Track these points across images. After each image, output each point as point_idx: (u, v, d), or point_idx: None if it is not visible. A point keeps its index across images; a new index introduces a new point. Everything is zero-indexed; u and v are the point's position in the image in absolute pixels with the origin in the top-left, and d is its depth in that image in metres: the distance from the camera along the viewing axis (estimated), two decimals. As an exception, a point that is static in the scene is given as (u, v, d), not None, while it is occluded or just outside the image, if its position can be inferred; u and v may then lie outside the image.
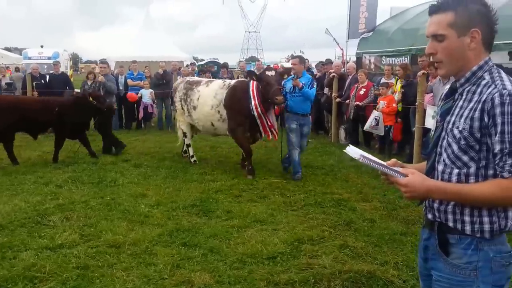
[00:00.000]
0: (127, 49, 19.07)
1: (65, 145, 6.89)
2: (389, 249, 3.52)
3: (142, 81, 10.39)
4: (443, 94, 1.55)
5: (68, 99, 7.29)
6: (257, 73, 6.05)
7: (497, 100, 1.27)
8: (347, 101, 7.98)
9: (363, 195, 4.97)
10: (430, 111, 5.80)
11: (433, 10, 1.41)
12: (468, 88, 1.39)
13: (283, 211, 4.47)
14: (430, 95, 6.12)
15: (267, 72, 5.61)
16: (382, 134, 7.08)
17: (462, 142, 1.34)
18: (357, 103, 7.59)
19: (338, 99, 8.31)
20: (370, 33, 11.43)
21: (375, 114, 7.04)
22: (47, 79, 10.28)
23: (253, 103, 5.59)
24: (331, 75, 8.60)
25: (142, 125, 10.72)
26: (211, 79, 7.53)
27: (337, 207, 4.57)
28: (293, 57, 6.21)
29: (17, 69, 15.80)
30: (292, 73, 5.81)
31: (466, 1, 1.37)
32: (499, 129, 1.26)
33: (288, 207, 4.59)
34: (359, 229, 3.94)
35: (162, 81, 10.34)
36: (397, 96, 7.01)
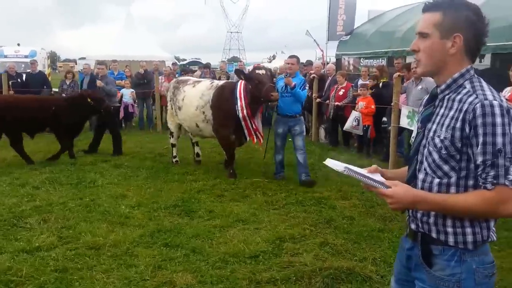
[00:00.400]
0: (108, 48, 18.78)
1: (44, 145, 6.74)
2: (368, 245, 3.61)
3: (123, 81, 10.25)
4: (424, 100, 1.54)
5: (65, 98, 7.20)
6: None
7: (478, 111, 1.26)
8: (327, 101, 8.11)
9: (343, 193, 5.07)
10: (405, 111, 5.99)
11: (426, 8, 1.41)
12: (449, 95, 1.38)
13: (265, 210, 4.51)
14: (405, 96, 6.32)
15: (257, 71, 5.44)
16: (361, 133, 7.24)
17: (443, 151, 1.34)
18: (337, 103, 7.74)
19: (318, 100, 8.43)
20: (348, 37, 11.66)
21: (355, 114, 7.19)
22: (24, 78, 10.00)
23: (239, 104, 5.44)
24: (311, 76, 8.72)
25: (123, 125, 10.56)
26: (199, 79, 7.31)
27: (318, 206, 4.65)
28: (290, 56, 5.87)
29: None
30: (287, 73, 5.64)
31: (458, 5, 1.37)
32: (480, 140, 1.26)
33: (270, 206, 4.63)
34: (339, 227, 4.02)
35: (143, 80, 10.23)
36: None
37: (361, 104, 7.18)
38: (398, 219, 4.14)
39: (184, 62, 24.25)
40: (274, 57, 41.57)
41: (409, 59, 7.90)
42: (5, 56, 18.39)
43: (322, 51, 12.65)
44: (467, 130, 1.29)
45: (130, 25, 20.73)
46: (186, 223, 4.10)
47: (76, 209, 4.44)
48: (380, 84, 7.33)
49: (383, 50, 9.66)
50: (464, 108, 1.30)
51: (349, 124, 7.28)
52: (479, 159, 1.27)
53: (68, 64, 37.68)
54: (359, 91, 7.48)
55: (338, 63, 11.76)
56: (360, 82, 7.80)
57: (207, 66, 11.72)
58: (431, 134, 1.39)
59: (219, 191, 5.15)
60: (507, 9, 6.95)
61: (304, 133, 5.74)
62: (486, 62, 7.57)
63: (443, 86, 1.40)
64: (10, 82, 9.34)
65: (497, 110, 1.25)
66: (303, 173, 5.50)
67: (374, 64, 9.51)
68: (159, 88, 9.92)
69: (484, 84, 1.36)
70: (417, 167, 1.44)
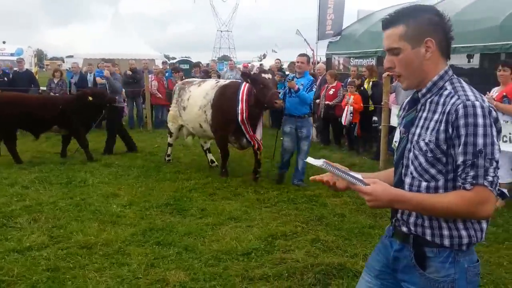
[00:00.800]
0: (96, 46, 18.57)
1: (33, 144, 6.65)
2: (358, 242, 3.66)
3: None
4: (405, 103, 1.55)
5: (71, 96, 7.17)
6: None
7: (461, 112, 1.27)
8: (318, 100, 8.17)
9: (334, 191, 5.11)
10: (395, 110, 6.09)
11: (386, 25, 1.41)
12: (431, 98, 1.39)
13: (257, 208, 4.54)
14: (394, 95, 6.43)
15: (263, 75, 5.22)
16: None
17: (429, 154, 1.34)
18: (327, 102, 7.81)
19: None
20: (338, 37, 11.74)
21: (350, 109, 7.27)
22: (11, 76, 9.84)
23: (239, 106, 5.23)
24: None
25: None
26: (204, 79, 7.11)
27: (309, 203, 4.69)
28: (300, 54, 5.46)
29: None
30: (295, 72, 5.39)
31: (416, 12, 1.37)
32: (462, 140, 1.26)
33: (261, 204, 4.66)
34: (330, 224, 4.07)
35: (133, 79, 10.15)
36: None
37: (351, 97, 7.26)
38: (388, 216, 4.20)
39: (174, 61, 24.06)
40: (264, 56, 41.57)
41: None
42: (-10, 54, 18.08)
43: (312, 50, 12.69)
44: (450, 131, 1.29)
45: (118, 23, 20.52)
46: (178, 222, 4.10)
47: (67, 208, 4.40)
48: (370, 84, 7.44)
49: (372, 50, 9.77)
50: (447, 110, 1.30)
51: (347, 119, 7.31)
52: (460, 159, 1.28)
53: (55, 62, 37.10)
54: (347, 88, 7.58)
55: (329, 62, 11.84)
56: (350, 80, 7.92)
57: (197, 65, 11.70)
58: (415, 138, 1.39)
59: (211, 189, 5.16)
60: (495, 10, 7.11)
61: (310, 137, 5.56)
62: (475, 62, 7.72)
63: (424, 90, 1.41)
64: (-4, 81, 9.19)
65: (479, 111, 1.26)
66: (297, 179, 5.42)
67: (364, 64, 9.61)
68: (149, 87, 9.87)
69: (465, 84, 1.37)
70: (403, 171, 1.43)
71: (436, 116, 1.34)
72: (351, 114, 7.26)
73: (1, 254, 3.30)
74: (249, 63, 20.70)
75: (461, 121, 1.26)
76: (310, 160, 1.46)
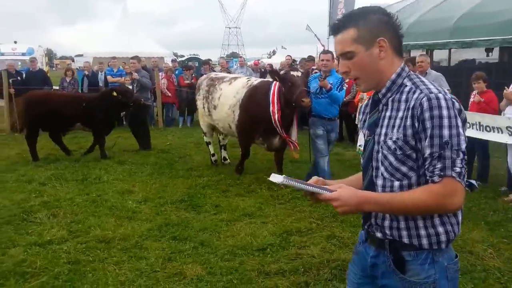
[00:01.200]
0: (104, 44, 18.69)
1: (47, 142, 6.75)
2: (374, 238, 3.66)
3: (123, 77, 10.25)
4: (363, 107, 1.54)
5: (95, 94, 7.25)
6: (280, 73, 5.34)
7: (425, 105, 1.26)
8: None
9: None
10: None
11: (336, 30, 1.40)
12: (392, 97, 1.38)
13: (271, 204, 4.56)
14: None
15: (292, 72, 5.01)
16: None
17: (398, 152, 1.32)
18: (339, 99, 7.77)
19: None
20: None
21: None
22: (24, 76, 9.99)
23: (271, 108, 5.04)
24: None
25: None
26: (235, 75, 6.86)
27: (323, 200, 4.69)
28: (324, 51, 5.26)
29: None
30: (321, 71, 5.16)
31: (365, 14, 1.37)
32: (428, 133, 1.26)
33: (275, 201, 4.68)
34: (345, 220, 4.07)
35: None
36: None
37: (365, 94, 7.21)
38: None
39: (183, 59, 24.15)
40: (274, 52, 41.15)
41: (413, 53, 7.88)
42: (2, 54, 18.34)
43: (323, 46, 12.62)
44: (416, 125, 1.28)
45: (126, 21, 20.56)
46: (193, 217, 4.15)
47: (84, 204, 4.49)
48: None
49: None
50: (411, 105, 1.30)
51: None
52: (427, 152, 1.26)
53: (65, 61, 37.52)
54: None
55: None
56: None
57: (207, 62, 11.73)
58: (382, 138, 1.37)
59: (224, 186, 5.21)
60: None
61: (335, 140, 5.51)
62: (494, 56, 7.53)
63: (383, 90, 1.40)
64: (10, 80, 9.33)
65: (443, 103, 1.26)
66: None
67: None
68: (159, 84, 9.94)
69: (424, 79, 1.37)
70: (374, 173, 1.41)
71: (400, 114, 1.33)
72: None
73: (23, 247, 3.39)
74: (259, 60, 20.65)
75: (427, 114, 1.26)
76: (272, 177, 1.41)
